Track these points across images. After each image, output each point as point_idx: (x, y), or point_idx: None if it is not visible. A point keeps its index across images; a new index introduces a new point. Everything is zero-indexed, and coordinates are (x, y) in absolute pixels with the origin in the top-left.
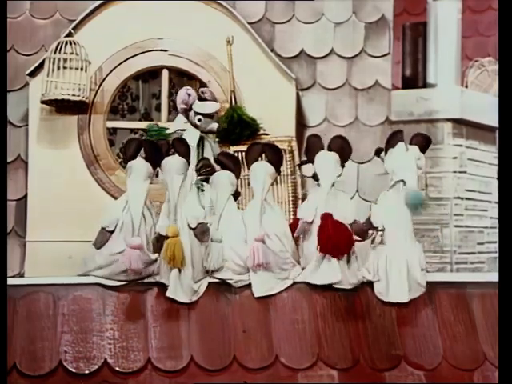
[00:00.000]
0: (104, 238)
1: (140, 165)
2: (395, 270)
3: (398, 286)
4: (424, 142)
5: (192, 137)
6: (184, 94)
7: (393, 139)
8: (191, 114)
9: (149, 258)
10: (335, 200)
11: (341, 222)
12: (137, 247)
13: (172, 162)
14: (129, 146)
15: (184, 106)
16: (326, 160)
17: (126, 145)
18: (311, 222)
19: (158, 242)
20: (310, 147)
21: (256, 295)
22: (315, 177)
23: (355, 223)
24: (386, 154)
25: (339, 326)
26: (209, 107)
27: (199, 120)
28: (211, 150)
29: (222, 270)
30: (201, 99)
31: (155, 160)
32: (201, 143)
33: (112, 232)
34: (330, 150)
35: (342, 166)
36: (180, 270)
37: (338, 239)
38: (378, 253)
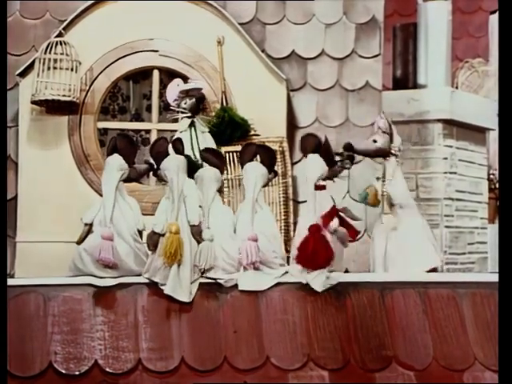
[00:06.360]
0: (83, 232)
1: (112, 159)
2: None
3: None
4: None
5: (184, 124)
6: (173, 85)
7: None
8: (182, 102)
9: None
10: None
11: (325, 238)
12: (108, 238)
13: (173, 160)
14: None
15: (176, 98)
16: (311, 162)
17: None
18: None
19: (151, 239)
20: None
21: (240, 288)
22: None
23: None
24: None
25: (330, 326)
26: (194, 83)
27: (186, 103)
28: (202, 136)
29: (213, 269)
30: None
31: (128, 154)
32: (192, 127)
33: (90, 226)
34: (305, 152)
35: (330, 164)
36: (179, 267)
37: (317, 259)
38: None
